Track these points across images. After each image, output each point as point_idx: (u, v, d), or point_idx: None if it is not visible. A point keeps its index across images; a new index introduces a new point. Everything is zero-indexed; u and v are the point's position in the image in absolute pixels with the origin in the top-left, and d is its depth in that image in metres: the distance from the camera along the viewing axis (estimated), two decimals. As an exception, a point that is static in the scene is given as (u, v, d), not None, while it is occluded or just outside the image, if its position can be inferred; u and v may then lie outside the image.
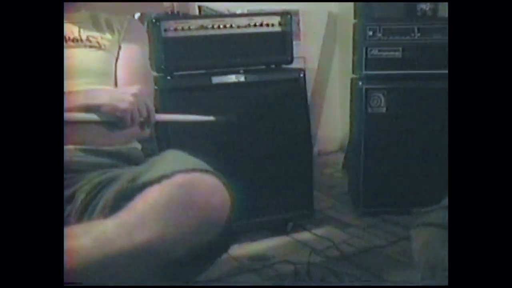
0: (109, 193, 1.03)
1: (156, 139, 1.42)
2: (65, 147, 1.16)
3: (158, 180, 0.95)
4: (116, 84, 1.38)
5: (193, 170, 0.99)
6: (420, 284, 1.70)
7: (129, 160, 1.24)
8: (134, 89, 1.18)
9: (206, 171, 1.01)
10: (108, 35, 1.43)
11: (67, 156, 1.15)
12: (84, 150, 1.18)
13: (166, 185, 0.95)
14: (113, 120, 1.15)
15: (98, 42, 1.39)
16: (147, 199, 0.94)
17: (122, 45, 1.43)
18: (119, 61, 1.41)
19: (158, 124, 1.37)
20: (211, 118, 1.28)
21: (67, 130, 1.17)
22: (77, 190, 1.10)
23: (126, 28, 1.47)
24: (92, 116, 1.16)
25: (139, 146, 1.34)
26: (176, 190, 0.95)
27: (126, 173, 1.08)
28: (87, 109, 1.16)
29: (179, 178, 0.96)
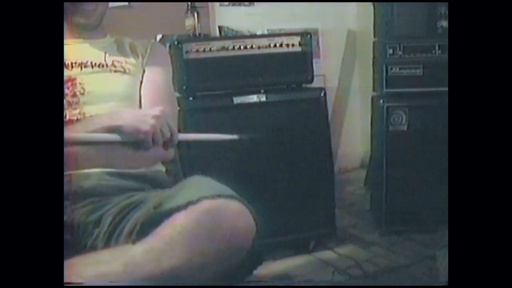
0: (135, 218, 1.05)
1: (180, 161, 1.44)
2: (92, 170, 1.19)
3: (185, 206, 0.97)
4: (141, 107, 1.40)
5: (219, 196, 1.00)
6: (420, 284, 1.69)
7: (154, 183, 1.25)
8: (157, 110, 1.19)
9: (231, 197, 1.02)
10: (132, 59, 1.45)
11: (94, 180, 1.18)
12: (111, 174, 1.21)
13: (192, 211, 0.96)
14: (135, 141, 1.16)
15: (122, 67, 1.41)
16: (175, 225, 0.95)
17: (146, 69, 1.45)
18: (143, 85, 1.43)
19: (181, 146, 1.38)
20: (234, 136, 1.29)
21: (93, 153, 1.20)
22: (104, 213, 1.12)
23: (149, 52, 1.49)
24: (115, 137, 1.18)
25: (163, 168, 1.35)
26: (202, 216, 0.96)
27: (152, 198, 1.09)
28: (110, 130, 1.18)
29: (205, 204, 0.97)
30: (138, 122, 1.15)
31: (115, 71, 1.40)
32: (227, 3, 3.03)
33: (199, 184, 1.09)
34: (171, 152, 1.31)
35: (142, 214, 1.04)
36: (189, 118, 2.01)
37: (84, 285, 0.91)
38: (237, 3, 3.05)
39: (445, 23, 2.40)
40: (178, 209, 0.97)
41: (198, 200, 0.97)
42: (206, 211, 0.96)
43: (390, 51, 2.34)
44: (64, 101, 1.28)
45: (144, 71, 1.46)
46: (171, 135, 1.18)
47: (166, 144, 1.18)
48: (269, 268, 2.07)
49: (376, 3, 2.63)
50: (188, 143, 1.83)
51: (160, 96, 1.42)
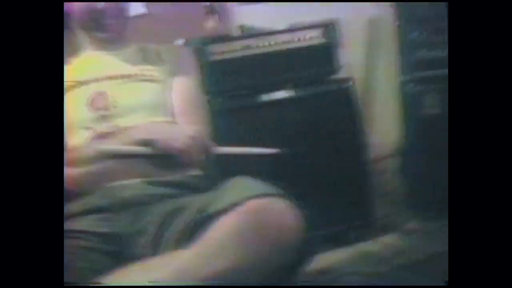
0: (181, 224, 1.05)
1: (217, 163, 1.44)
2: (131, 181, 1.20)
3: (231, 208, 0.97)
4: (171, 115, 1.40)
5: (264, 195, 1.00)
6: (420, 284, 1.66)
7: (194, 188, 1.25)
8: (192, 130, 1.20)
9: (276, 194, 1.02)
10: (159, 67, 1.46)
11: (133, 189, 1.18)
12: (149, 182, 1.21)
13: (239, 212, 0.96)
14: (168, 156, 1.18)
15: (150, 75, 1.42)
16: (222, 228, 0.95)
17: (174, 75, 1.46)
18: (173, 92, 1.43)
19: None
20: (274, 150, 1.28)
21: (130, 164, 1.21)
22: (148, 222, 1.12)
23: (175, 57, 1.50)
24: (148, 151, 1.19)
25: (200, 172, 1.35)
26: (249, 217, 0.96)
27: (195, 202, 1.10)
28: (144, 143, 1.20)
29: (251, 205, 0.97)
30: (173, 139, 1.18)
31: (144, 80, 1.41)
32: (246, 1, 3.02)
33: (242, 185, 1.09)
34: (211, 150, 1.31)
35: (188, 219, 1.05)
36: (220, 120, 1.99)
37: (84, 285, 0.91)
38: (255, 0, 3.03)
39: None
40: (223, 211, 0.97)
41: (243, 201, 0.97)
42: (252, 211, 0.96)
43: (415, 33, 2.30)
44: (97, 115, 1.29)
45: (171, 77, 1.46)
46: (206, 152, 1.19)
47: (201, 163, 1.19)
48: (313, 263, 2.05)
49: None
50: (220, 143, 1.83)
51: (189, 102, 1.42)
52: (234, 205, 0.97)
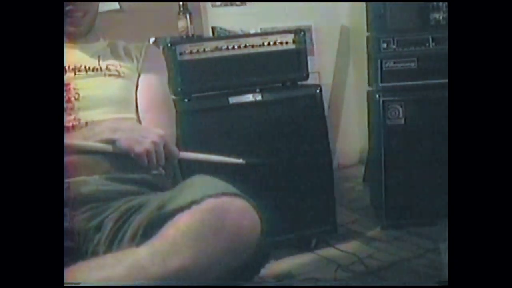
0: (138, 221, 1.04)
1: (179, 163, 1.43)
2: (91, 177, 1.18)
3: (188, 206, 0.96)
4: (136, 111, 1.39)
5: (222, 194, 0.99)
6: (420, 284, 1.68)
7: (154, 186, 1.24)
8: (156, 135, 1.19)
9: (235, 194, 1.02)
10: (127, 63, 1.44)
11: (93, 185, 1.16)
12: (110, 179, 1.19)
13: (196, 210, 0.95)
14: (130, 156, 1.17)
15: (117, 70, 1.40)
16: (179, 226, 0.95)
17: (141, 72, 1.44)
18: (139, 89, 1.42)
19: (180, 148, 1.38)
20: (240, 161, 1.28)
21: (91, 160, 1.19)
22: (105, 218, 1.11)
23: (144, 55, 1.48)
24: (110, 149, 1.18)
25: (162, 171, 1.34)
26: (207, 215, 0.95)
27: (154, 200, 1.09)
28: (107, 142, 1.18)
29: (209, 203, 0.97)
30: (134, 142, 1.16)
31: (110, 75, 1.39)
32: (219, 3, 3.03)
33: (201, 183, 1.08)
34: (174, 152, 1.30)
35: (145, 217, 1.03)
36: (186, 120, 1.99)
37: (84, 285, 0.90)
38: (229, 3, 3.04)
39: (437, 15, 2.40)
40: (181, 209, 0.96)
41: (202, 199, 0.97)
42: (210, 210, 0.96)
43: (384, 45, 2.34)
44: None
45: (139, 75, 1.45)
46: (169, 157, 1.18)
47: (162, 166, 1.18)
48: (272, 268, 2.06)
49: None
50: (186, 143, 1.82)
51: (156, 101, 1.41)
52: (192, 203, 0.96)
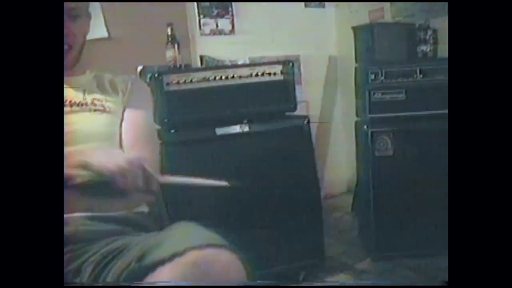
0: (118, 270, 1.00)
1: (164, 200, 1.39)
2: (72, 215, 1.14)
3: (170, 258, 0.91)
4: (121, 147, 1.36)
5: (207, 246, 0.94)
6: (420, 285, 1.65)
7: (137, 225, 1.20)
8: (132, 155, 1.14)
9: (221, 246, 0.97)
10: (112, 97, 1.42)
11: (73, 225, 1.13)
12: (91, 218, 1.16)
13: (178, 264, 0.90)
14: (106, 180, 1.11)
15: (103, 105, 1.37)
16: (160, 279, 0.90)
17: (127, 107, 1.42)
18: (123, 123, 1.39)
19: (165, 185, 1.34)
20: (224, 183, 1.24)
21: (71, 198, 1.16)
22: (85, 261, 1.07)
23: (129, 89, 1.46)
24: (85, 175, 1.13)
25: (146, 209, 1.31)
26: (189, 269, 0.90)
27: (135, 246, 1.04)
28: (79, 166, 1.13)
29: (192, 256, 0.91)
30: (107, 161, 1.10)
31: (95, 110, 1.36)
32: (208, 32, 3.03)
33: (185, 233, 1.04)
34: (151, 196, 1.27)
35: (125, 266, 0.99)
36: (172, 152, 1.97)
37: (84, 285, 0.89)
38: (217, 32, 3.05)
39: (424, 47, 2.42)
40: (162, 262, 0.92)
41: (185, 251, 0.91)
42: (193, 263, 0.91)
43: (372, 76, 2.34)
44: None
45: (124, 109, 1.42)
46: (146, 182, 1.13)
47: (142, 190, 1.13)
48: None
49: (357, 29, 2.65)
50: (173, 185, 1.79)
51: (140, 135, 1.38)
52: (174, 255, 0.91)
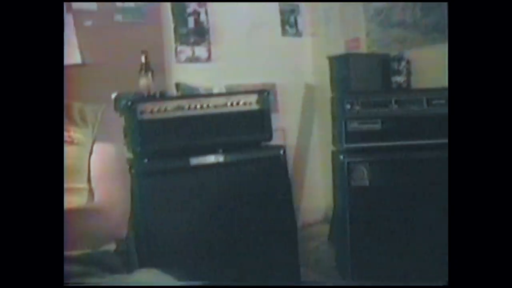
0: None
1: (135, 238, 1.35)
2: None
3: None
4: (89, 182, 1.31)
5: None
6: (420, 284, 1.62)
7: (103, 265, 1.15)
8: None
9: None
10: (81, 128, 1.38)
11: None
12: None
13: None
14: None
15: (70, 136, 1.33)
16: None
17: (96, 139, 1.37)
18: (92, 156, 1.34)
19: (136, 221, 1.30)
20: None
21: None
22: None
23: (100, 120, 1.42)
24: None
25: (112, 247, 1.26)
26: None
27: None
28: None
29: None
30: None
31: (64, 142, 1.32)
32: (183, 59, 3.02)
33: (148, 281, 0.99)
34: (123, 229, 1.23)
35: None
36: (144, 181, 1.93)
37: (84, 285, 0.89)
38: (194, 59, 3.04)
39: (399, 78, 2.43)
40: None
41: None
42: None
43: (348, 106, 2.34)
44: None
45: (93, 141, 1.38)
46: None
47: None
48: None
49: (332, 59, 2.67)
50: (144, 206, 1.74)
51: (110, 168, 1.34)
52: None
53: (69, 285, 0.86)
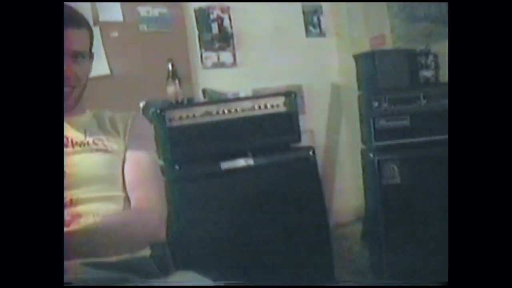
0: None
1: (168, 243, 1.36)
2: (68, 262, 1.11)
3: None
4: (124, 189, 1.34)
5: None
6: (420, 285, 1.59)
7: (139, 271, 1.17)
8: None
9: None
10: (114, 137, 1.40)
11: (72, 274, 1.10)
12: (90, 265, 1.13)
13: None
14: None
15: (104, 145, 1.35)
16: None
17: (128, 147, 1.40)
18: (126, 164, 1.36)
19: (171, 223, 1.32)
20: None
21: (71, 244, 1.13)
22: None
23: (130, 127, 1.44)
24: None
25: (148, 252, 1.28)
26: None
27: None
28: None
29: None
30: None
31: (97, 150, 1.34)
32: (210, 65, 3.04)
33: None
34: (163, 232, 1.25)
35: None
36: (176, 188, 1.95)
37: (84, 285, 0.89)
38: (219, 65, 3.06)
39: (426, 73, 2.40)
40: None
41: None
42: None
43: (376, 103, 2.32)
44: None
45: (126, 149, 1.40)
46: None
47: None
48: None
49: (358, 57, 2.65)
50: (177, 213, 1.76)
51: (144, 176, 1.35)
52: None
53: (69, 285, 0.86)
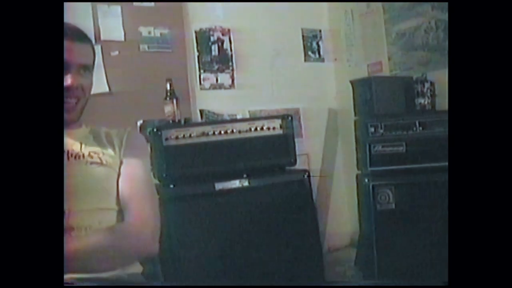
0: None
1: (160, 260, 1.36)
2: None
3: None
4: (118, 202, 1.34)
5: None
6: (420, 285, 1.57)
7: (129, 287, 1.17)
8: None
9: None
10: (109, 150, 1.41)
11: (63, 288, 1.09)
12: (82, 280, 1.12)
13: None
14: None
15: (99, 158, 1.36)
16: None
17: (123, 160, 1.41)
18: (121, 178, 1.37)
19: (163, 242, 1.31)
20: None
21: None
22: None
23: (125, 143, 1.45)
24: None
25: (140, 269, 1.27)
26: None
27: None
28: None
29: None
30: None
31: (92, 163, 1.35)
32: (208, 86, 3.06)
33: None
34: (155, 246, 1.25)
35: None
36: (170, 207, 1.95)
37: (84, 285, 0.90)
38: (217, 86, 3.08)
39: (422, 100, 2.43)
40: None
41: None
42: None
43: (372, 129, 2.34)
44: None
45: (121, 163, 1.41)
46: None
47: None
48: None
49: (355, 83, 2.68)
50: (170, 232, 1.76)
51: (138, 190, 1.36)
52: None
53: (69, 285, 0.87)
